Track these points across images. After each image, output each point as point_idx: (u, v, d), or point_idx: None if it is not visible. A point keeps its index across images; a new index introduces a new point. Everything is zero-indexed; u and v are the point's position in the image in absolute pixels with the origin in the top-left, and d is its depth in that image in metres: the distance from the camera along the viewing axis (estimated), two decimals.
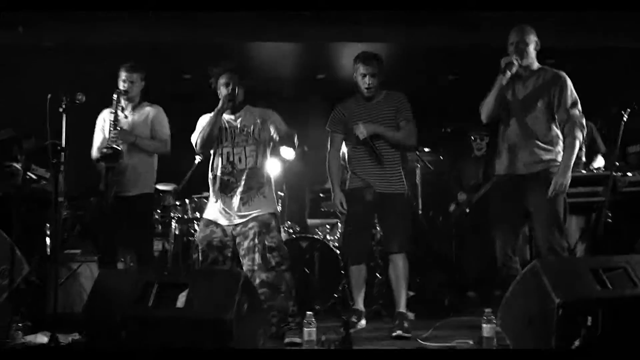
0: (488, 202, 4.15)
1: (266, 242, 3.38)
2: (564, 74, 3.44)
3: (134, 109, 4.06)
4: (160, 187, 5.04)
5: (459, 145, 5.90)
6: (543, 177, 3.38)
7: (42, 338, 3.23)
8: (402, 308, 3.66)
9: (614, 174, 3.92)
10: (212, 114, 3.52)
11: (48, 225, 4.20)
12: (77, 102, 3.24)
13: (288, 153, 4.72)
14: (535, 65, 3.51)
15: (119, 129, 3.87)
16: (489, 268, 4.05)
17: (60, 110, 3.16)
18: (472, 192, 5.25)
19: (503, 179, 3.55)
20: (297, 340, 3.19)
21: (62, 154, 3.10)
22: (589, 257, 4.01)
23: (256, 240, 3.37)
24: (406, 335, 3.43)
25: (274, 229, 3.47)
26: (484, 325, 2.99)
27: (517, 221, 3.53)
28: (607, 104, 4.48)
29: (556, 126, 3.45)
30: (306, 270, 4.40)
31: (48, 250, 4.22)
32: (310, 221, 5.57)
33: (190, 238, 5.35)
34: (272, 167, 4.04)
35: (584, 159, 4.45)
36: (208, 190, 5.03)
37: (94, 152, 4.05)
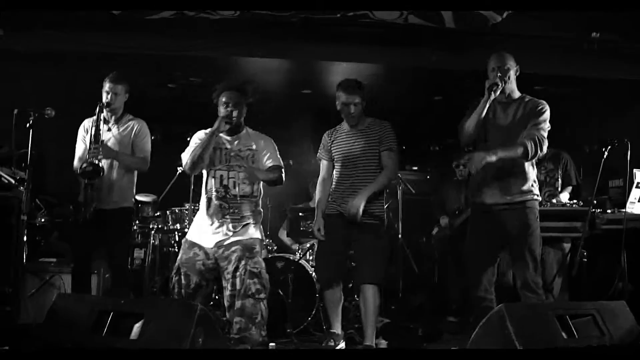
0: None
1: (248, 267, 3.30)
2: (544, 103, 3.38)
3: (117, 121, 3.97)
4: (139, 197, 4.98)
5: (445, 164, 5.84)
6: (519, 208, 3.33)
7: None
8: (368, 341, 3.59)
9: (593, 210, 3.86)
10: (206, 133, 3.42)
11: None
12: (47, 116, 3.19)
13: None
14: (516, 93, 3.46)
15: (101, 142, 3.78)
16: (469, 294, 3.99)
17: (27, 125, 3.10)
18: (455, 217, 5.20)
19: (480, 208, 3.48)
20: None
21: (27, 170, 3.04)
22: (558, 301, 3.97)
23: (239, 264, 3.30)
24: None
25: (257, 254, 3.40)
26: None
27: (493, 253, 3.47)
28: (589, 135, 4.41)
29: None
30: (280, 292, 4.32)
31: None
32: (288, 240, 5.51)
33: (170, 249, 5.30)
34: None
35: (559, 189, 4.42)
36: (188, 202, 5.05)
37: (76, 163, 3.95)
